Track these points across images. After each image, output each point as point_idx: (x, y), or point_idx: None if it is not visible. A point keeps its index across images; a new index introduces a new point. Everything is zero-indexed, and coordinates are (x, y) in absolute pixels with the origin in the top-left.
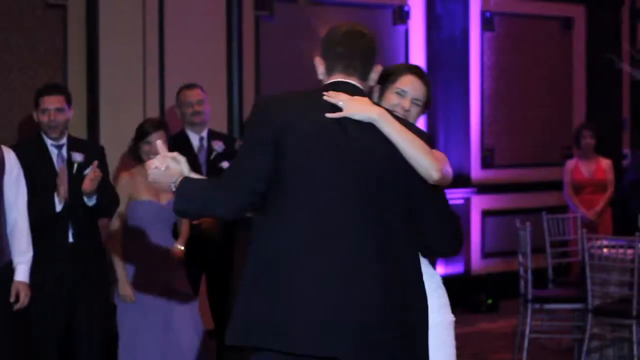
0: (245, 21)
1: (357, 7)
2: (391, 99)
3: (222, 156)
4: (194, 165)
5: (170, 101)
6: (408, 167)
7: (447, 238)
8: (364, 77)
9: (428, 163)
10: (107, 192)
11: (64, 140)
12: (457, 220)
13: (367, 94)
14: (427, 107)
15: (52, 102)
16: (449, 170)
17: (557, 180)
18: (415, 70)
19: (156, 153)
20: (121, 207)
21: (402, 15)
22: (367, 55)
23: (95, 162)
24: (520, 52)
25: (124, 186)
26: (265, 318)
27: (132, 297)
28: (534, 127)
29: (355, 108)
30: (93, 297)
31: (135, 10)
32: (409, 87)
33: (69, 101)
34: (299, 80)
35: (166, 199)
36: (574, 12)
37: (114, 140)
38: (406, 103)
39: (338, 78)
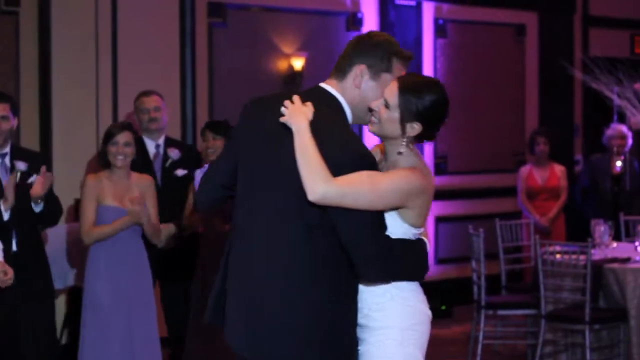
0: (199, 28)
1: (311, 13)
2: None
3: (177, 164)
4: (149, 172)
5: (123, 109)
6: None
7: (362, 261)
8: (340, 78)
9: (307, 182)
10: (51, 199)
11: (7, 149)
12: (384, 246)
13: (335, 99)
14: (405, 120)
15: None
16: (339, 200)
17: (510, 187)
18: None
19: (123, 154)
20: (90, 209)
21: (355, 22)
22: (345, 56)
23: (44, 167)
24: (473, 59)
25: (91, 189)
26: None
27: (140, 211)
28: (487, 133)
29: (289, 116)
30: (37, 309)
31: (88, 18)
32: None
33: (14, 109)
34: (252, 86)
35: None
36: (526, 19)
37: (67, 148)
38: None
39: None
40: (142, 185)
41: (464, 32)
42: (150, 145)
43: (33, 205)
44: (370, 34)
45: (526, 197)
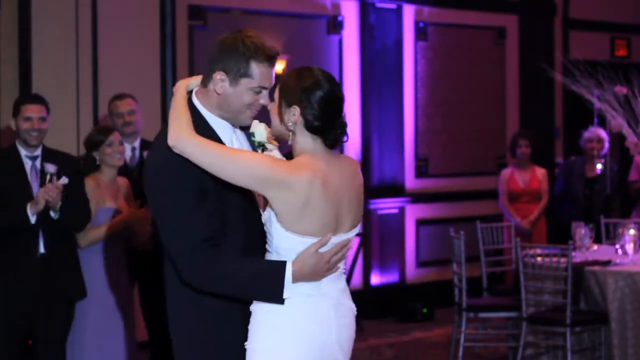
0: (179, 31)
1: (291, 16)
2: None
3: None
4: (125, 175)
5: (103, 111)
6: None
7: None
8: (204, 84)
9: (171, 129)
10: (77, 206)
11: (38, 151)
12: (192, 245)
13: (194, 107)
14: (284, 107)
15: (35, 111)
16: (189, 150)
17: (491, 189)
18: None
19: (120, 152)
20: (93, 206)
21: (336, 25)
22: (209, 60)
23: (54, 177)
24: (454, 61)
25: (92, 193)
26: None
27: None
28: (468, 136)
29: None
30: (63, 311)
31: (68, 20)
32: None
33: (48, 111)
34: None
35: (123, 205)
36: (506, 22)
37: None
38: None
39: None
40: (124, 187)
41: (444, 35)
42: (127, 149)
43: (51, 212)
44: (226, 36)
45: (507, 200)
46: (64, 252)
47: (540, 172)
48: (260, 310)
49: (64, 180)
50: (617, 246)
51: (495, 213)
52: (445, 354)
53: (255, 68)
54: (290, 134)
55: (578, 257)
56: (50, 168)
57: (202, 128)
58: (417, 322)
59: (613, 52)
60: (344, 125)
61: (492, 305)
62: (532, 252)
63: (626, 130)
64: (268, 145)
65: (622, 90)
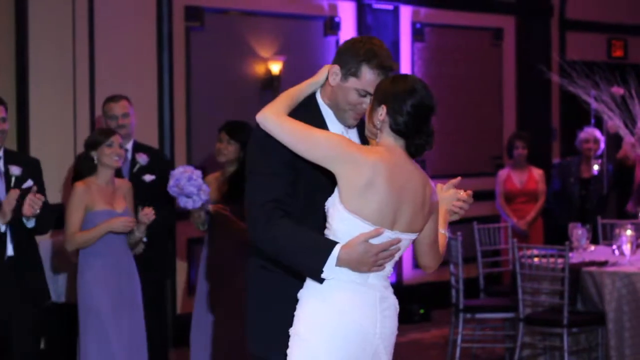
0: (176, 32)
1: (288, 18)
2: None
3: (145, 169)
4: (117, 176)
5: (100, 111)
6: None
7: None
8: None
9: (266, 106)
10: (45, 210)
11: (0, 153)
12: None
13: (312, 97)
14: (374, 105)
15: None
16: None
17: (488, 190)
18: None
19: (118, 155)
20: (76, 218)
21: (332, 26)
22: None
23: (35, 187)
24: (451, 62)
25: (81, 197)
26: None
27: (127, 221)
28: (465, 137)
29: None
30: (30, 311)
31: (65, 21)
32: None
33: (7, 110)
34: (230, 90)
35: (122, 207)
36: (503, 23)
37: (45, 153)
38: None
39: None
40: (124, 190)
41: (441, 36)
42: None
43: (25, 220)
44: (356, 39)
45: (504, 201)
46: (30, 255)
47: (537, 172)
48: (306, 295)
49: (29, 183)
50: (614, 247)
51: (492, 214)
52: (442, 355)
53: (365, 71)
54: (378, 132)
55: (575, 257)
56: (15, 171)
57: (315, 119)
58: (414, 323)
59: (610, 53)
60: (429, 135)
61: (489, 306)
62: (529, 252)
63: (623, 131)
64: None
65: (618, 91)
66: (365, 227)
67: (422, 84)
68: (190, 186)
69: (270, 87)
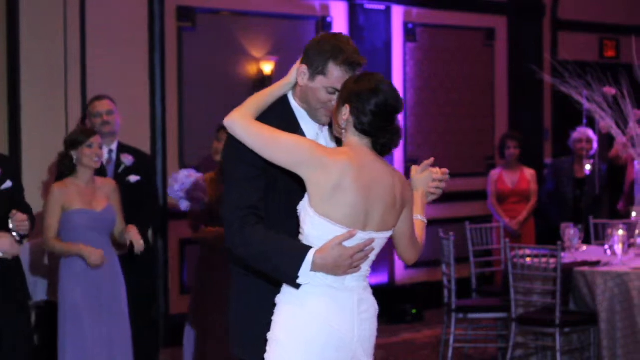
0: (168, 32)
1: (280, 18)
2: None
3: (130, 170)
4: (101, 176)
5: None
6: None
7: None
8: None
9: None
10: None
11: None
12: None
13: (285, 97)
14: (339, 104)
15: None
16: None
17: (480, 190)
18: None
19: (98, 155)
20: (53, 219)
21: (324, 26)
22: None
23: (15, 213)
24: (443, 63)
25: (57, 198)
26: None
27: (102, 257)
28: (457, 137)
29: None
30: (15, 312)
31: (57, 21)
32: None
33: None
34: (222, 90)
35: (101, 206)
36: (496, 23)
37: (36, 150)
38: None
39: None
40: (107, 190)
41: (433, 36)
42: (104, 151)
43: (13, 233)
44: (322, 36)
45: (496, 201)
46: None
47: (529, 172)
48: (283, 301)
49: (8, 184)
50: (606, 247)
51: (484, 214)
52: (434, 355)
53: (332, 68)
54: (343, 132)
55: (567, 257)
56: None
57: (288, 120)
58: (406, 323)
59: (602, 53)
60: (394, 133)
61: (481, 306)
62: (521, 252)
63: (615, 131)
64: None
65: (610, 90)
66: (337, 230)
67: (387, 83)
68: (199, 191)
69: (263, 87)
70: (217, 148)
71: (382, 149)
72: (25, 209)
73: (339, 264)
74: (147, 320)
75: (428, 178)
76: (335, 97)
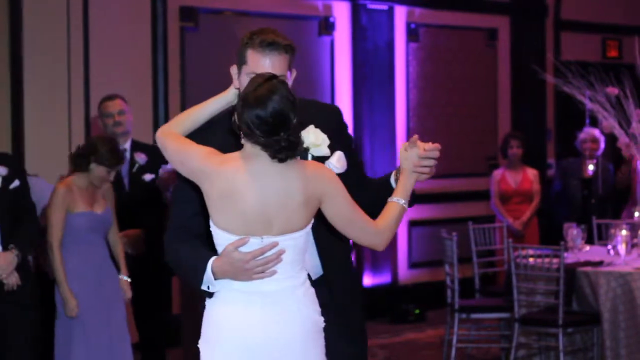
0: (171, 32)
1: (283, 18)
2: None
3: (144, 168)
4: (116, 176)
5: (95, 113)
6: None
7: None
8: None
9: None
10: (30, 227)
11: None
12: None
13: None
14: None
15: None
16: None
17: (483, 190)
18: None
19: (107, 180)
20: (58, 218)
21: (327, 27)
22: None
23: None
24: (445, 63)
25: (63, 198)
26: None
27: (74, 310)
28: (460, 137)
29: None
30: (20, 312)
31: (60, 21)
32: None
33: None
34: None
35: (101, 208)
36: (498, 24)
37: (39, 153)
38: None
39: None
40: (103, 190)
41: (436, 36)
42: None
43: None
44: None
45: (499, 201)
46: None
47: (532, 172)
48: (206, 306)
49: (16, 183)
50: (609, 247)
51: (487, 214)
52: (437, 355)
53: (249, 54)
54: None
55: (570, 257)
56: (2, 171)
57: (233, 135)
58: (409, 324)
59: (604, 53)
60: (283, 144)
61: (484, 307)
62: (524, 253)
63: (617, 131)
64: (314, 150)
65: (613, 91)
66: (229, 238)
67: (275, 93)
68: (169, 180)
69: None
70: None
71: (277, 158)
72: (30, 208)
73: (238, 270)
74: (156, 321)
75: (413, 156)
76: None
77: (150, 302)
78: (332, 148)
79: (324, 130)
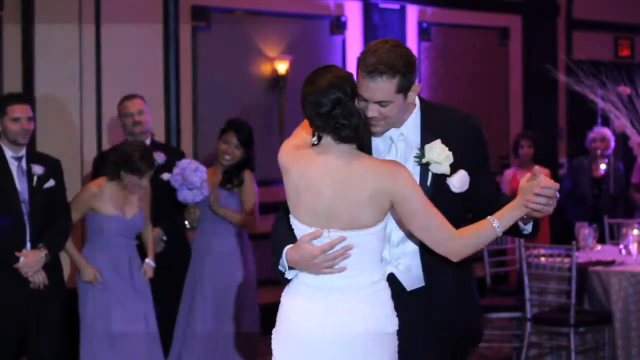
0: (182, 32)
1: (294, 17)
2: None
3: (163, 167)
4: None
5: (107, 113)
6: None
7: None
8: None
9: None
10: (62, 228)
11: (23, 152)
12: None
13: None
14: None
15: (22, 111)
16: None
17: None
18: None
19: (141, 187)
20: (76, 215)
21: (339, 26)
22: None
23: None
24: (457, 62)
25: (88, 199)
26: None
27: (98, 278)
28: None
29: None
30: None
31: (72, 20)
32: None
33: (34, 111)
34: (236, 90)
35: (132, 212)
36: (510, 23)
37: (51, 152)
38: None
39: None
40: (140, 194)
41: (448, 35)
42: None
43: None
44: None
45: None
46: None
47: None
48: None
49: (51, 182)
50: (621, 246)
51: None
52: None
53: (358, 77)
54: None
55: (582, 257)
56: (38, 170)
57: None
58: None
59: (616, 52)
60: (341, 122)
61: (496, 306)
62: (535, 252)
63: (629, 130)
64: (434, 167)
65: (625, 90)
66: (305, 230)
67: (322, 76)
68: (195, 177)
69: (277, 86)
70: (225, 150)
71: (343, 139)
72: (64, 208)
73: (307, 262)
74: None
75: (530, 188)
76: (367, 104)
77: (168, 297)
78: (458, 164)
79: (455, 141)
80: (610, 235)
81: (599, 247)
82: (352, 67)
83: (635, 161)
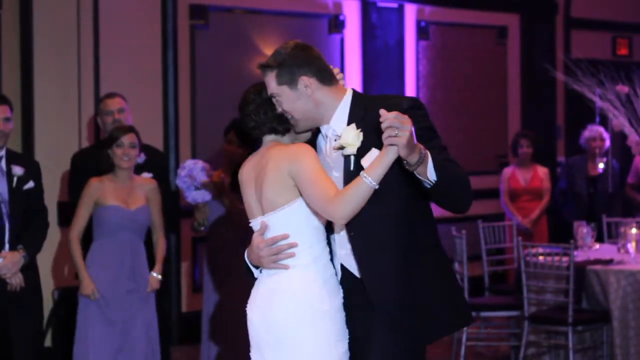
0: (181, 30)
1: (293, 16)
2: None
3: (141, 168)
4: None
5: None
6: None
7: None
8: None
9: None
10: (40, 230)
11: (2, 153)
12: None
13: None
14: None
15: (2, 112)
16: None
17: (493, 189)
18: None
19: (129, 155)
20: (84, 211)
21: (337, 25)
22: None
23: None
24: (455, 61)
25: (92, 192)
26: None
27: (95, 294)
28: (470, 135)
29: None
30: (26, 308)
31: (70, 19)
32: None
33: (12, 111)
34: (234, 88)
35: (136, 205)
36: (508, 21)
37: (49, 149)
38: None
39: None
40: (147, 189)
41: (446, 34)
42: None
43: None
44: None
45: (509, 199)
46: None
47: (542, 171)
48: None
49: (30, 184)
50: (619, 245)
51: (497, 212)
52: (447, 353)
53: None
54: None
55: (580, 256)
56: (18, 170)
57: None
58: None
59: (615, 51)
60: (250, 124)
61: (494, 305)
62: (533, 251)
63: (628, 129)
64: (346, 150)
65: (623, 89)
66: (256, 227)
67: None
68: (203, 176)
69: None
70: (229, 151)
71: (263, 134)
72: (42, 210)
73: (257, 256)
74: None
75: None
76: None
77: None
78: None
79: (376, 124)
80: (609, 234)
81: (597, 246)
82: (350, 66)
83: (630, 160)
